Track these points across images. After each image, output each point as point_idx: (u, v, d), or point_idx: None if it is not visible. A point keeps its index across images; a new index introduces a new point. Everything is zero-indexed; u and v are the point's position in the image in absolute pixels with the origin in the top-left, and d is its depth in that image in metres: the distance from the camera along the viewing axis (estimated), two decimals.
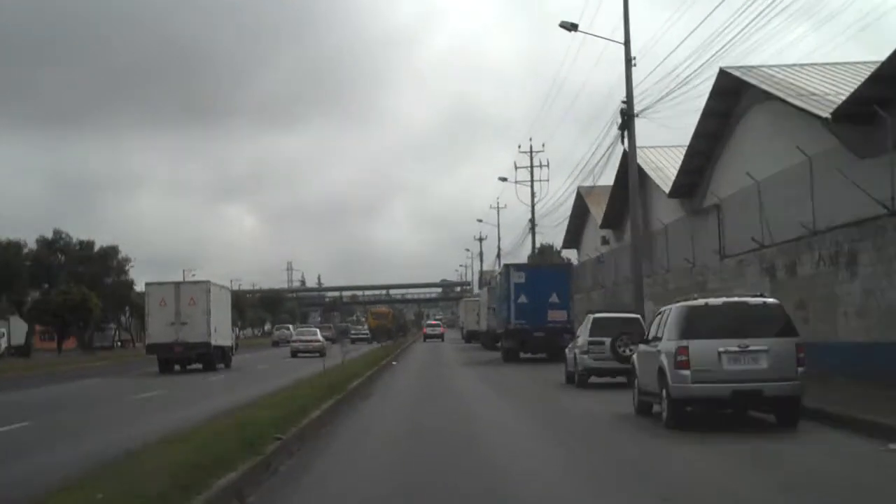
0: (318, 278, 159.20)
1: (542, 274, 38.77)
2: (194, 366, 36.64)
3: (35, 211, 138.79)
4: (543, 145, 71.17)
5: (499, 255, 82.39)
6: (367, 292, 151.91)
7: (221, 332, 37.46)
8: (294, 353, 47.25)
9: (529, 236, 61.84)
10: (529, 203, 59.03)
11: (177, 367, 36.62)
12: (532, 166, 60.22)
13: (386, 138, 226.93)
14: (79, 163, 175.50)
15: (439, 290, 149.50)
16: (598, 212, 50.49)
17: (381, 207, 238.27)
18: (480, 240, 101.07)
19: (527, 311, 36.49)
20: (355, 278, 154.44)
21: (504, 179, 60.73)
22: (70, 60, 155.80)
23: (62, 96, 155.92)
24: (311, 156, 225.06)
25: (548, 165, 60.51)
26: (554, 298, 36.58)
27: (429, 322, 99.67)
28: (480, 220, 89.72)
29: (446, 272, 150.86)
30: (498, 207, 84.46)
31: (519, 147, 60.44)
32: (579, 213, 56.57)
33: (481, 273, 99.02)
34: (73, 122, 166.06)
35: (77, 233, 72.57)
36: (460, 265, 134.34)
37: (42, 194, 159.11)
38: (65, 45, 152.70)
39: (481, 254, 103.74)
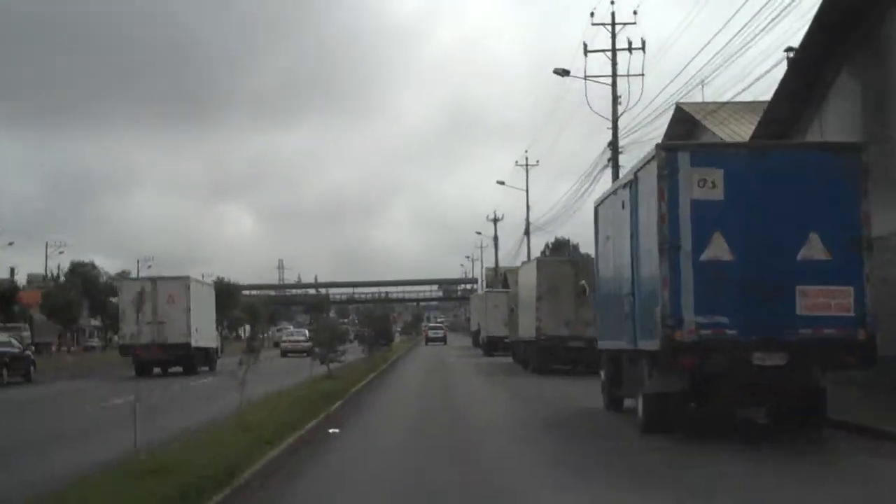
0: (315, 279, 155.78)
1: (784, 167, 13.02)
2: (175, 369, 34.55)
3: (23, 208, 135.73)
4: (635, 13, 41.29)
5: (527, 232, 63.20)
6: (359, 290, 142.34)
7: (204, 333, 35.61)
8: (284, 354, 49.64)
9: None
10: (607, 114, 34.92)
11: (157, 371, 34.61)
12: (614, 49, 34.81)
13: (386, 136, 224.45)
14: (69, 159, 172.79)
15: (438, 290, 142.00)
16: (728, 135, 26.99)
17: (381, 208, 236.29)
18: (495, 220, 79.63)
19: (736, 284, 12.58)
20: (353, 280, 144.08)
21: (564, 73, 36.16)
22: (58, 53, 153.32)
23: (51, 90, 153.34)
24: (309, 153, 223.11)
25: (642, 48, 34.15)
26: (816, 247, 12.56)
27: (431, 325, 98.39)
28: (502, 183, 67.04)
29: (446, 275, 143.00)
30: (527, 163, 65.18)
31: (591, 16, 35.19)
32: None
33: (496, 267, 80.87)
34: (63, 117, 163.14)
35: (68, 232, 67.43)
36: (467, 256, 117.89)
37: (31, 191, 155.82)
38: (52, 37, 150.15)
39: (496, 239, 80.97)
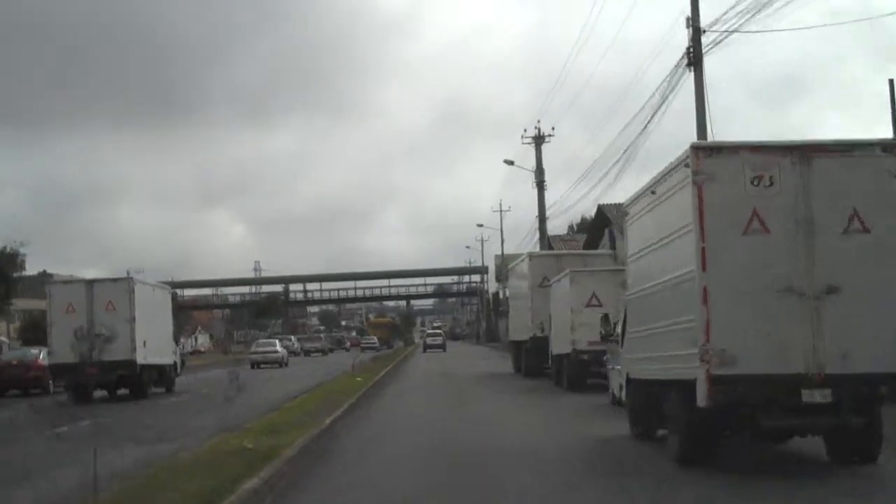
0: (304, 286, 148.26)
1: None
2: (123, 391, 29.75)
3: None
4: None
5: None
6: (330, 288, 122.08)
7: (156, 347, 30.80)
8: (254, 365, 49.71)
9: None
10: None
11: (102, 393, 29.49)
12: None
13: (376, 135, 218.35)
14: (45, 165, 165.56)
15: (435, 288, 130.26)
16: None
17: (372, 210, 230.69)
18: (539, 137, 51.25)
19: None
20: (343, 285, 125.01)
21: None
22: (30, 54, 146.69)
23: (22, 94, 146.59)
24: (296, 153, 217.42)
25: None
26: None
27: (429, 331, 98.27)
28: (511, 163, 52.73)
29: (443, 280, 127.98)
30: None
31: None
32: None
33: (541, 216, 51.96)
34: (36, 122, 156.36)
35: (50, 243, 60.83)
36: (481, 228, 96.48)
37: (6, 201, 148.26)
38: (25, 39, 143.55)
39: (539, 158, 50.84)
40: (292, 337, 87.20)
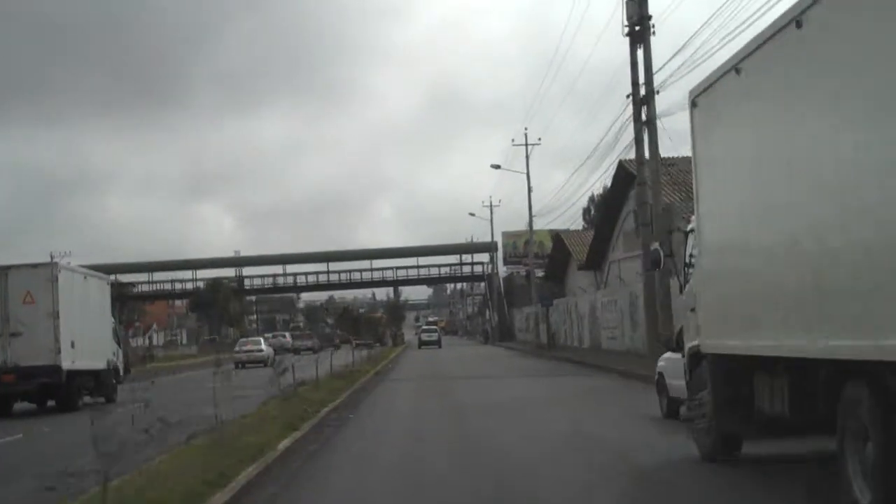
0: (294, 279, 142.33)
1: None
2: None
3: None
4: None
5: None
6: (298, 272, 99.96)
7: (89, 348, 25.99)
8: (237, 365, 47.35)
9: None
10: None
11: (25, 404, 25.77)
12: None
13: (367, 120, 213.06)
14: (25, 155, 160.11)
15: (431, 284, 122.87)
16: None
17: (362, 200, 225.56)
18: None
19: None
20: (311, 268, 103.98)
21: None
22: (5, 35, 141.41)
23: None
24: (283, 141, 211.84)
25: None
26: None
27: (424, 326, 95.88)
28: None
29: (438, 260, 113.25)
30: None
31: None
32: None
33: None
34: (12, 108, 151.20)
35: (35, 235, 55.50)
36: (485, 200, 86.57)
37: None
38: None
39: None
40: (287, 334, 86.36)
